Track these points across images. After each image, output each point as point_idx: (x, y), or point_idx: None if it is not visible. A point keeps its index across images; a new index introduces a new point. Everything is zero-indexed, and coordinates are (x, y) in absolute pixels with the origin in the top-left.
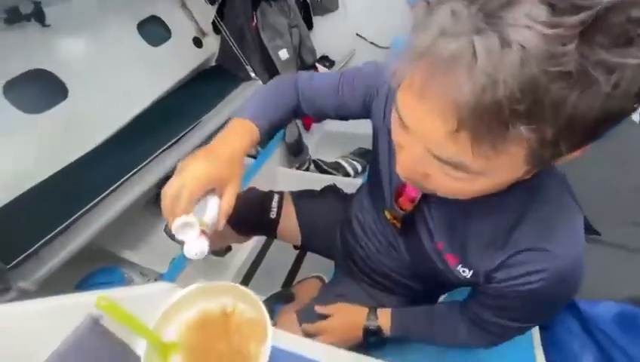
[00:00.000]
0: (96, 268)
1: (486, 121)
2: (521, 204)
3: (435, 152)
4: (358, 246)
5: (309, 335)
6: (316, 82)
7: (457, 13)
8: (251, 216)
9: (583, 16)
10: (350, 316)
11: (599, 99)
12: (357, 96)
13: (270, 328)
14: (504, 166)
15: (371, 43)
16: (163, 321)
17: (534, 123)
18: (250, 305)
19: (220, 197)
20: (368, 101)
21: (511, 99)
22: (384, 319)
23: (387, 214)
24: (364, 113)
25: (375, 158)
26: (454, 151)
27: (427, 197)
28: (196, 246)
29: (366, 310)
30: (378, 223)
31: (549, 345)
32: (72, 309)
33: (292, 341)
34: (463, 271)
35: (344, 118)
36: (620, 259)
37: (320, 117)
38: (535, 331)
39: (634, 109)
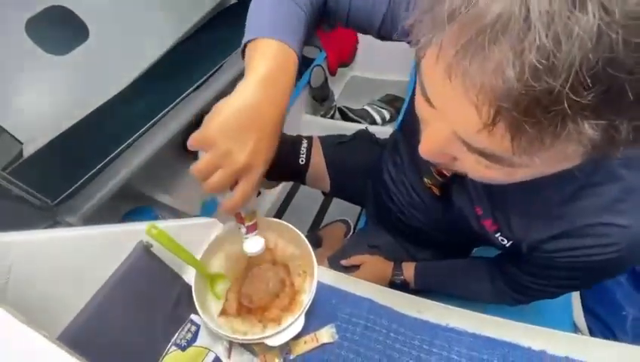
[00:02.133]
0: (132, 208)
1: (534, 114)
2: (582, 171)
3: (466, 140)
4: (389, 200)
5: None
6: None
7: None
8: (280, 162)
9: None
10: (377, 270)
11: None
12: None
13: (316, 262)
14: (553, 160)
15: None
16: (209, 253)
17: (604, 118)
18: (293, 241)
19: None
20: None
21: (575, 87)
22: (409, 273)
23: (425, 181)
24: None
25: (413, 113)
26: (489, 143)
27: None
28: (257, 243)
29: (391, 264)
30: (413, 182)
31: (590, 291)
32: (125, 236)
33: (339, 277)
34: (502, 240)
35: (385, 37)
36: None
37: (355, 26)
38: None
39: None
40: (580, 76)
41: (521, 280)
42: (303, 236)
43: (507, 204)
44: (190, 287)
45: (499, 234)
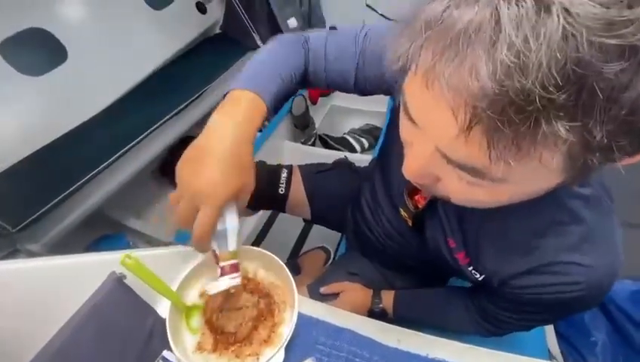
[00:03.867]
0: (101, 236)
1: (509, 115)
2: (549, 206)
3: (445, 152)
4: (367, 229)
5: None
6: (331, 45)
7: None
8: (259, 191)
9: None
10: (356, 298)
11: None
12: (382, 66)
13: (296, 293)
14: (533, 174)
15: (381, 15)
16: (185, 283)
17: (578, 119)
18: (273, 270)
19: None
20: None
21: (546, 86)
22: (387, 302)
23: (401, 211)
24: (389, 88)
25: (389, 145)
26: (466, 153)
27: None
28: (225, 283)
29: (370, 292)
30: (389, 212)
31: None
32: (96, 267)
33: (319, 307)
34: (475, 274)
35: (364, 92)
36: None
37: (335, 88)
38: None
39: None
40: (550, 75)
41: (494, 313)
42: (283, 265)
43: (479, 238)
44: (164, 321)
45: (471, 267)
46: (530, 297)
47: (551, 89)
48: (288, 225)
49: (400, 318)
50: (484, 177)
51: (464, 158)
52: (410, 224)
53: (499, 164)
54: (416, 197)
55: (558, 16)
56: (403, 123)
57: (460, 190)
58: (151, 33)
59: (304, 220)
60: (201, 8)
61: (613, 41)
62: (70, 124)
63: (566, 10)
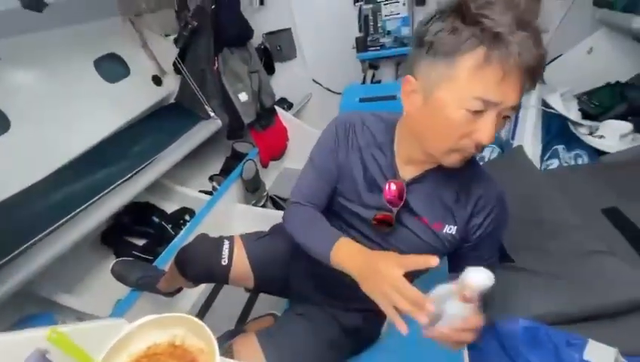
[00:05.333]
0: (24, 316)
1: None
2: (467, 174)
3: (516, 104)
4: (316, 268)
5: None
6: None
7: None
8: (201, 265)
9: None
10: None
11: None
12: (331, 162)
13: (218, 356)
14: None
15: (326, 88)
16: (112, 354)
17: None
18: (200, 335)
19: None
20: (335, 153)
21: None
22: None
23: (378, 223)
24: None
25: (345, 188)
26: (520, 95)
27: (408, 187)
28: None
29: None
30: (361, 241)
31: (474, 358)
32: (20, 345)
33: None
34: (450, 230)
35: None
36: (528, 281)
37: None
38: (465, 352)
39: None
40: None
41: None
42: (208, 330)
43: (441, 201)
44: None
45: (446, 227)
46: (482, 229)
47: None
48: (234, 292)
49: None
50: (515, 109)
51: (517, 101)
52: (387, 230)
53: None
54: (389, 198)
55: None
56: (467, 121)
57: (497, 129)
58: (103, 105)
59: (246, 290)
60: (157, 81)
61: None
62: (6, 192)
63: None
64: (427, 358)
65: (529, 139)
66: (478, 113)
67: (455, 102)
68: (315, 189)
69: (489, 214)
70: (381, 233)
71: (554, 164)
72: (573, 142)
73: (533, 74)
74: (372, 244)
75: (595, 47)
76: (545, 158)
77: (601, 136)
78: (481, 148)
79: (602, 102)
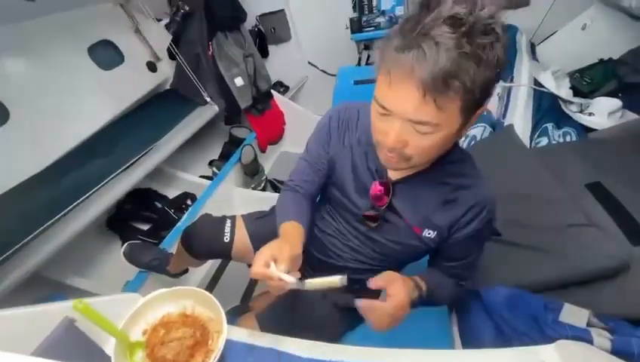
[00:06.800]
0: (37, 298)
1: (438, 84)
2: (453, 174)
3: (413, 118)
4: (320, 251)
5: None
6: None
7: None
8: (206, 242)
9: (464, 28)
10: (406, 287)
11: (482, 69)
12: (323, 154)
13: (225, 322)
14: (451, 116)
15: (322, 70)
16: (130, 322)
17: (461, 82)
18: (207, 305)
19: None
20: (327, 145)
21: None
22: (422, 285)
23: (365, 219)
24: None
25: (336, 181)
26: (424, 111)
27: (393, 188)
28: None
29: (408, 279)
30: (347, 226)
31: (461, 324)
32: (49, 315)
33: (247, 333)
34: (429, 234)
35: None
36: (512, 254)
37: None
38: (453, 316)
39: (497, 75)
40: (447, 65)
41: (455, 267)
42: (215, 300)
43: (423, 204)
44: (110, 359)
45: (425, 231)
46: (464, 234)
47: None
48: (239, 270)
49: (430, 299)
50: (430, 124)
51: (423, 116)
52: (372, 226)
53: (438, 112)
54: (373, 199)
55: (442, 47)
56: (377, 123)
57: (417, 142)
58: (99, 92)
59: (249, 266)
60: (152, 67)
61: (459, 50)
62: (9, 183)
63: (443, 43)
64: (414, 328)
65: (520, 117)
66: (385, 115)
67: (374, 99)
68: (304, 178)
69: (474, 220)
70: (367, 227)
71: (543, 141)
72: (562, 120)
73: (434, 90)
74: (358, 235)
75: (589, 23)
76: (535, 137)
77: (591, 114)
78: (392, 150)
79: (594, 79)
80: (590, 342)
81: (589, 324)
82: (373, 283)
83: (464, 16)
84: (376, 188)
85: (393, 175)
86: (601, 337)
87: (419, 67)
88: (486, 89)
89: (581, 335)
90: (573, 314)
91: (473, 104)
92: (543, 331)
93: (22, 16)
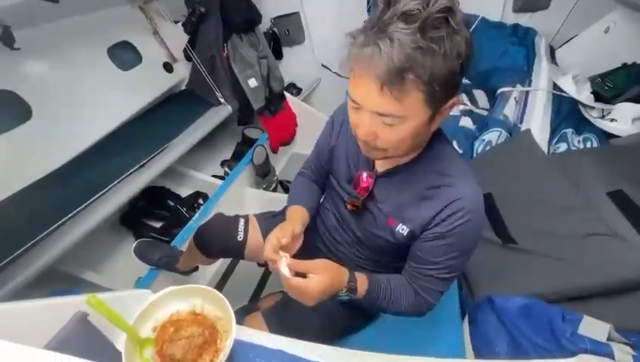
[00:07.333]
0: (51, 291)
1: (392, 78)
2: (437, 171)
3: (376, 110)
4: (320, 241)
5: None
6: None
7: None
8: (219, 240)
9: (418, 23)
10: (334, 273)
11: (440, 62)
12: (326, 146)
13: (234, 322)
14: (415, 108)
15: (335, 73)
16: (140, 319)
17: (417, 75)
18: (217, 304)
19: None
20: (329, 136)
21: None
22: (362, 284)
23: (348, 205)
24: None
25: (333, 170)
26: (384, 103)
27: (376, 179)
28: None
29: (346, 271)
30: (339, 219)
31: (474, 333)
32: (63, 308)
33: (256, 334)
34: (402, 230)
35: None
36: (528, 262)
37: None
38: (465, 325)
39: (461, 67)
40: (401, 59)
41: (424, 273)
42: (225, 299)
43: (400, 201)
44: (120, 354)
45: (399, 225)
46: (434, 233)
47: (403, 64)
48: (248, 270)
49: (368, 300)
50: (394, 115)
51: (385, 107)
52: (356, 209)
53: (398, 104)
54: (358, 189)
55: (396, 42)
56: (351, 116)
57: (387, 134)
58: (118, 92)
59: (259, 264)
60: (168, 68)
61: (415, 45)
62: (29, 179)
63: (399, 39)
64: (426, 336)
65: (537, 122)
66: (356, 109)
67: (347, 93)
68: (314, 165)
69: (447, 220)
70: (351, 215)
71: (562, 147)
72: (582, 125)
73: (389, 83)
74: (342, 222)
75: (612, 26)
76: (553, 142)
77: (613, 120)
78: (365, 142)
79: (617, 83)
80: (612, 357)
81: (609, 338)
82: (296, 265)
83: (417, 11)
84: (361, 178)
85: (380, 166)
86: (623, 353)
87: (375, 63)
88: (447, 81)
89: (602, 350)
90: (593, 327)
91: (437, 96)
92: (561, 343)
93: (45, 18)
